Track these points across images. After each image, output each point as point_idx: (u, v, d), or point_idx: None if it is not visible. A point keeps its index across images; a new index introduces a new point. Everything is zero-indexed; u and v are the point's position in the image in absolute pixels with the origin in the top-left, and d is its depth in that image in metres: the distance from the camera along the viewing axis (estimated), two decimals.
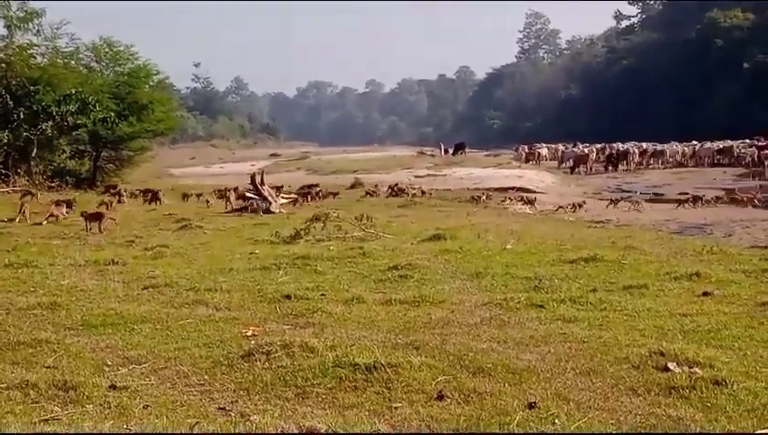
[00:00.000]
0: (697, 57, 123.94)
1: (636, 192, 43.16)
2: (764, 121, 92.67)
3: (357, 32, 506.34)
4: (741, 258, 16.74)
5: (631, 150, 71.62)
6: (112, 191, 37.30)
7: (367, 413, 7.43)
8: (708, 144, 74.52)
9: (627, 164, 68.68)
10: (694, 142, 75.87)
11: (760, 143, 70.50)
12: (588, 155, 70.00)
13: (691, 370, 8.47)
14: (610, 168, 66.98)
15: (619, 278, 14.25)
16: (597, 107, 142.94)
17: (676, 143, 76.02)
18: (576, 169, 65.95)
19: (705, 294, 12.67)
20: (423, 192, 38.33)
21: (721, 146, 73.19)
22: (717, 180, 53.56)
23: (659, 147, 73.81)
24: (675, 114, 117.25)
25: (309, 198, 35.18)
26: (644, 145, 75.64)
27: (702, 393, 7.87)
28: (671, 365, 8.60)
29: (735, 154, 69.55)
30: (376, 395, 7.93)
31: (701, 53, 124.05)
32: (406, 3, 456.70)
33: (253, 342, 9.68)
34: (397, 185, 40.19)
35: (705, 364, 8.64)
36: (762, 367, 8.71)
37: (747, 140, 73.34)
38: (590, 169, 66.77)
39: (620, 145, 78.23)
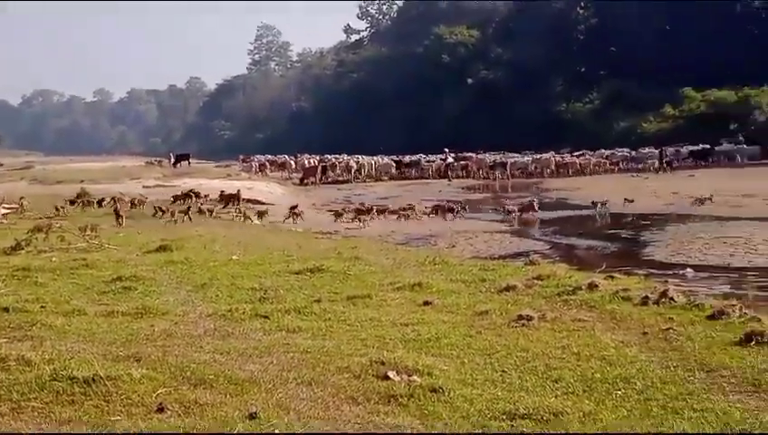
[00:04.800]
0: (425, 72, 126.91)
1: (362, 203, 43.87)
2: (487, 135, 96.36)
3: (84, 40, 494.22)
4: (462, 269, 17.23)
5: (352, 163, 73.99)
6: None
7: (84, 427, 7.29)
8: (386, 159, 78.41)
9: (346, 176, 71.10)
10: (386, 155, 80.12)
11: (441, 157, 77.71)
12: (316, 167, 70.98)
13: (410, 378, 8.67)
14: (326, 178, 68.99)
15: (344, 288, 14.45)
16: (328, 119, 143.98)
17: (385, 156, 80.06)
18: (305, 181, 66.58)
19: (426, 303, 12.98)
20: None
21: (408, 159, 78.08)
22: (443, 192, 54.99)
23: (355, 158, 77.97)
24: (404, 128, 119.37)
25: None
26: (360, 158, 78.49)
27: (420, 401, 8.08)
28: (391, 374, 8.77)
29: (422, 167, 75.05)
30: (94, 408, 7.80)
31: (428, 69, 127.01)
32: (137, 13, 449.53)
33: None
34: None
35: (424, 372, 8.87)
36: (478, 374, 9.00)
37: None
38: (319, 180, 67.53)
39: (345, 157, 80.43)
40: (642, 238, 28.79)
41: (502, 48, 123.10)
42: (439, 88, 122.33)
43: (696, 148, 75.90)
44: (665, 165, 70.77)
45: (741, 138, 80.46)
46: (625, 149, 79.90)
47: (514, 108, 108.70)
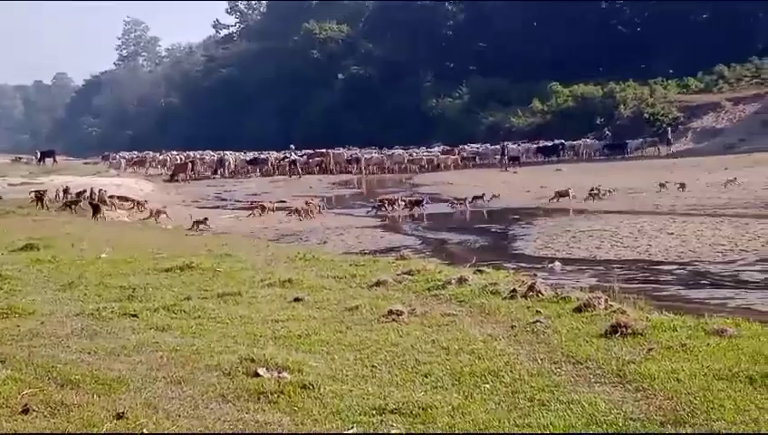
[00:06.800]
0: (295, 67, 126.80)
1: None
2: (357, 130, 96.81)
3: None
4: (333, 264, 17.25)
5: (226, 158, 74.53)
6: None
7: None
8: (242, 155, 79.28)
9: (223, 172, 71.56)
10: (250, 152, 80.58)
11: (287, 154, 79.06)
12: (187, 163, 70.59)
13: (280, 375, 8.64)
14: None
15: (214, 286, 14.34)
16: (198, 115, 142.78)
17: (251, 153, 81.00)
18: (175, 177, 66.06)
19: (297, 299, 12.94)
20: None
21: (255, 156, 78.32)
22: (313, 188, 55.07)
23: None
24: (275, 123, 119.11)
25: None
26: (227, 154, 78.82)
27: (290, 398, 8.06)
28: (261, 371, 8.74)
29: (271, 164, 75.19)
30: None
31: (299, 64, 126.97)
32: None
33: None
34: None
35: (294, 369, 8.84)
36: (348, 370, 9.01)
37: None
38: (188, 177, 66.99)
39: (210, 153, 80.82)
40: (512, 232, 29.17)
41: (372, 43, 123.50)
42: (310, 83, 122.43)
43: (548, 144, 78.10)
44: (507, 161, 71.82)
45: (607, 132, 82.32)
46: (475, 145, 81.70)
47: (385, 103, 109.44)
